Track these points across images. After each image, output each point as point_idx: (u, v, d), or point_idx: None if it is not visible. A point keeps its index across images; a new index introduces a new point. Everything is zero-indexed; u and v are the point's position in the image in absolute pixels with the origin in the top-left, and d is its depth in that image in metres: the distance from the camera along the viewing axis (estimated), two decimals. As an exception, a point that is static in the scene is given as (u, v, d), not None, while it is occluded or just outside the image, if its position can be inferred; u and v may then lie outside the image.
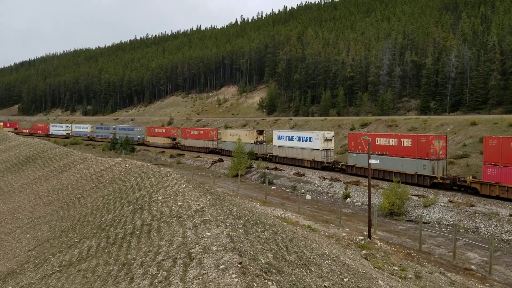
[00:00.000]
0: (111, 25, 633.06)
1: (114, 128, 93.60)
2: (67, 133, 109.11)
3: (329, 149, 46.85)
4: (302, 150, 48.78)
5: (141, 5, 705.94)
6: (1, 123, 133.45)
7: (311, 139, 47.47)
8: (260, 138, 57.14)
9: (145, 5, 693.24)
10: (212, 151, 66.28)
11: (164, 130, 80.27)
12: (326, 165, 46.19)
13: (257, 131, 58.09)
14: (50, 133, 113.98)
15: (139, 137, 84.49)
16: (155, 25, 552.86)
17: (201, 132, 69.80)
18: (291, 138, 50.63)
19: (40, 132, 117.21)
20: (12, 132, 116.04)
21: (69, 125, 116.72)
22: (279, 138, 52.71)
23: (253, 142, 56.02)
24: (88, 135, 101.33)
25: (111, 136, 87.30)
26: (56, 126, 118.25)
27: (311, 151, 47.38)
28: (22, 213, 22.79)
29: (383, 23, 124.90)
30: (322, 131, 50.17)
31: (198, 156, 62.33)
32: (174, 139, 77.01)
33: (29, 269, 13.24)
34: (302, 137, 49.18)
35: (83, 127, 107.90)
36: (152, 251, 9.72)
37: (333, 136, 48.04)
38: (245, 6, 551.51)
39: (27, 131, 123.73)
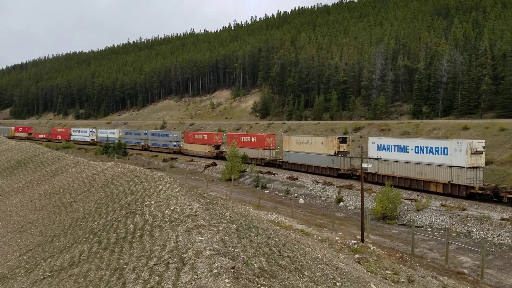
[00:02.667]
0: (110, 30, 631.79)
1: (146, 134, 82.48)
2: (91, 139, 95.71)
3: (478, 167, 32.13)
4: (426, 168, 34.70)
5: (140, 10, 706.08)
6: (13, 128, 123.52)
7: (447, 150, 33.20)
8: (343, 147, 44.18)
9: (143, 10, 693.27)
10: (270, 164, 53.84)
11: (205, 136, 67.91)
12: (479, 193, 31.29)
13: (338, 138, 44.93)
14: (71, 139, 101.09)
15: (175, 144, 73.11)
16: (152, 30, 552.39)
17: (254, 139, 57.09)
18: (404, 149, 36.84)
19: (59, 137, 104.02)
20: (26, 138, 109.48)
21: (94, 129, 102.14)
22: (380, 148, 39.17)
23: (332, 153, 43.96)
24: (115, 141, 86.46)
25: (142, 143, 79.94)
26: (78, 131, 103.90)
27: (447, 169, 33.13)
28: (14, 217, 22.60)
29: (376, 28, 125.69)
30: (467, 140, 34.59)
31: (191, 160, 62.14)
32: (217, 147, 64.96)
33: (20, 274, 13.12)
34: (428, 147, 34.82)
35: (110, 132, 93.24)
36: (145, 255, 9.68)
37: (484, 147, 32.97)
38: (241, 11, 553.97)
39: (44, 136, 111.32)
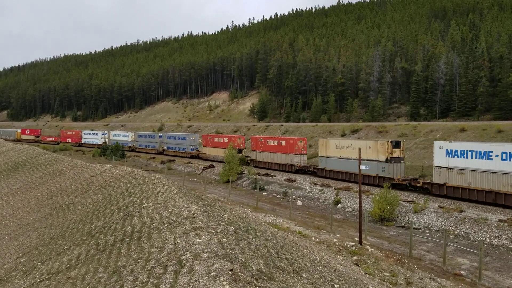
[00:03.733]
0: (108, 33, 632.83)
1: (161, 137, 78.03)
2: (103, 143, 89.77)
3: None
4: None
5: (138, 13, 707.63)
6: (19, 130, 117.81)
7: None
8: (396, 153, 37.87)
9: (142, 13, 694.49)
10: (302, 171, 48.00)
11: (226, 139, 61.13)
12: None
13: (391, 142, 38.37)
14: (82, 142, 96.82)
15: (192, 147, 68.07)
16: (151, 33, 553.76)
17: (282, 143, 50.84)
18: (485, 155, 30.32)
19: (69, 140, 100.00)
20: (34, 141, 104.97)
21: (106, 132, 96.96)
22: (450, 154, 32.72)
23: (383, 159, 37.60)
24: (129, 144, 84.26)
25: (157, 147, 75.95)
26: (89, 134, 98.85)
27: None
28: (11, 220, 22.53)
29: (373, 30, 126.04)
30: None
31: (189, 162, 62.07)
32: (240, 151, 58.05)
33: (17, 276, 13.07)
34: None
35: (123, 135, 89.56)
36: (143, 258, 9.66)
37: None
38: (240, 13, 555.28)
39: (53, 139, 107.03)
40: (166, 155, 72.24)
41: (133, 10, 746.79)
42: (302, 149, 49.22)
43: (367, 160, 37.12)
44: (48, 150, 55.45)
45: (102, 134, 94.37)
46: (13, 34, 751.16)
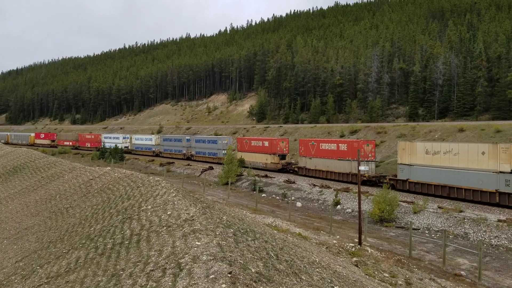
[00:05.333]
0: (109, 36, 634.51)
1: (188, 140, 71.62)
2: (125, 147, 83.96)
3: None
4: None
5: (139, 16, 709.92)
6: (33, 134, 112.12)
7: None
8: None
9: (143, 16, 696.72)
10: (373, 182, 39.52)
11: (266, 143, 52.82)
12: None
13: None
14: (102, 146, 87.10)
15: (224, 152, 58.30)
16: (151, 37, 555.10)
17: (343, 147, 42.59)
18: None
19: (88, 145, 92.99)
20: (50, 145, 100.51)
21: (128, 136, 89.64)
22: None
23: (509, 169, 28.47)
24: (153, 149, 78.05)
25: (184, 151, 69.68)
26: (110, 138, 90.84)
27: None
28: (9, 223, 22.47)
29: (371, 31, 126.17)
30: None
31: (188, 164, 61.99)
32: (283, 156, 51.17)
33: (16, 281, 13.03)
34: None
35: (146, 139, 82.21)
36: (141, 261, 9.64)
37: None
38: (240, 15, 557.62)
39: (70, 143, 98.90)
40: (195, 160, 66.51)
41: (134, 14, 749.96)
42: (370, 154, 40.73)
43: (480, 170, 29.72)
44: (47, 153, 55.37)
45: (124, 138, 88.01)
46: (11, 38, 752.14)
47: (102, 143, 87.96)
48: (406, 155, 36.53)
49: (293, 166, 49.62)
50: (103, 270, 10.23)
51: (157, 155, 75.91)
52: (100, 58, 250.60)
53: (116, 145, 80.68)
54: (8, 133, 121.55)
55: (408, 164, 36.11)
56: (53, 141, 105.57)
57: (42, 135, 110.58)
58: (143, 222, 12.97)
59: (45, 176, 31.03)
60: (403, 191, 36.00)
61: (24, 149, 48.24)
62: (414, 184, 35.64)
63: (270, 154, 51.33)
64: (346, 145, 42.49)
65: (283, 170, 50.06)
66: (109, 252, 11.49)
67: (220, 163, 56.64)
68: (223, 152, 59.19)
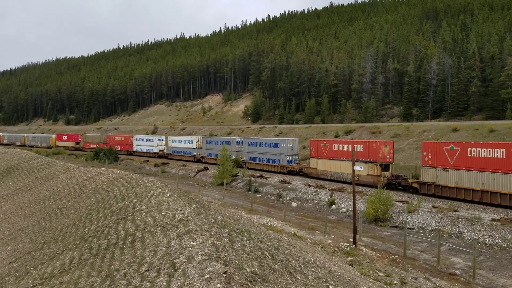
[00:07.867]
0: (105, 36, 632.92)
1: (239, 143, 58.83)
2: (160, 150, 73.36)
3: None
4: None
5: (139, 16, 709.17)
6: (54, 136, 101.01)
7: None
8: None
9: (143, 16, 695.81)
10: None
11: (359, 147, 38.85)
12: None
13: None
14: (134, 150, 78.26)
15: (289, 159, 48.09)
16: (150, 37, 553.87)
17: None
18: None
19: (118, 148, 78.97)
20: (74, 148, 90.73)
21: (163, 137, 78.20)
22: None
23: None
24: (194, 153, 65.73)
25: (234, 156, 53.04)
26: (143, 140, 79.00)
27: None
28: (3, 224, 22.33)
29: (366, 31, 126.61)
30: None
31: (183, 165, 61.83)
32: (386, 166, 37.04)
33: (9, 282, 12.95)
34: None
35: (185, 141, 69.90)
36: (136, 261, 9.60)
37: None
38: (238, 15, 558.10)
39: (97, 146, 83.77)
40: (249, 168, 52.51)
41: (132, 15, 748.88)
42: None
43: None
44: (41, 154, 55.08)
45: (159, 140, 75.82)
46: (5, 38, 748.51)
47: (134, 146, 78.93)
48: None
49: (409, 181, 35.16)
50: (98, 271, 10.18)
51: (198, 160, 63.56)
52: (94, 59, 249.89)
53: (152, 151, 73.56)
54: (25, 135, 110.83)
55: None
56: (77, 143, 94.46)
57: (65, 137, 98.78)
58: (138, 222, 12.92)
59: (38, 177, 30.87)
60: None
61: (18, 149, 47.96)
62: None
63: (366, 162, 37.52)
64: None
65: (389, 186, 35.61)
66: (104, 252, 11.44)
67: (284, 173, 47.61)
68: (287, 158, 48.04)
